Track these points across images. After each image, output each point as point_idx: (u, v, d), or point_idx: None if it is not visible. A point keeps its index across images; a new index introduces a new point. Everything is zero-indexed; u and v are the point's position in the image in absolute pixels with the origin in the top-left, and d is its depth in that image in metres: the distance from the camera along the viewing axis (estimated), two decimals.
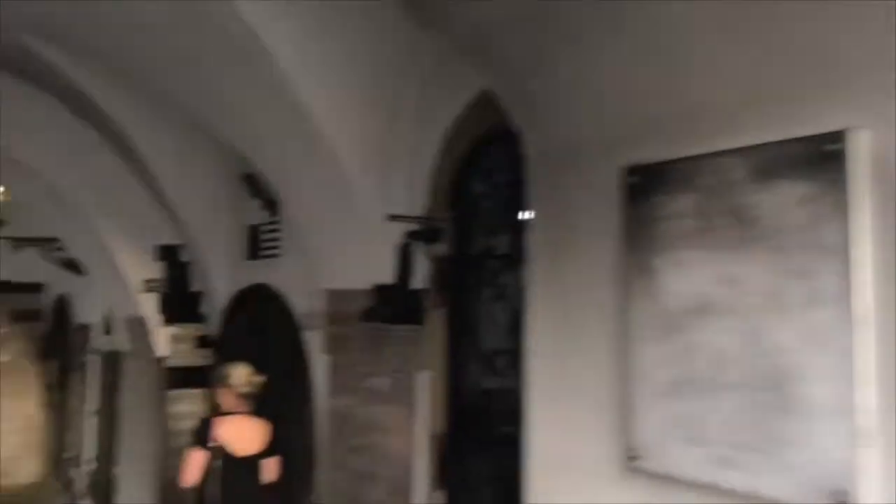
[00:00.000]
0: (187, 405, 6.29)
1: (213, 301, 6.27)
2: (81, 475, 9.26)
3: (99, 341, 8.77)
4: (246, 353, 5.47)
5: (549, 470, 2.75)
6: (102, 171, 5.96)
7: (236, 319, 6.12)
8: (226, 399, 4.68)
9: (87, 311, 9.34)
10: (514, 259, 3.63)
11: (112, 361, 8.29)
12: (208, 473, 4.54)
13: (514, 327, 3.63)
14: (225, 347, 6.26)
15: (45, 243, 9.15)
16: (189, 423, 6.25)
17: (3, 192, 8.71)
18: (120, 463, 7.04)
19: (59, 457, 10.32)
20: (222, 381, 4.68)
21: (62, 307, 10.44)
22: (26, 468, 11.17)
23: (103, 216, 6.07)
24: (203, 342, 6.37)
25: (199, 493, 4.58)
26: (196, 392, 6.32)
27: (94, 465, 8.94)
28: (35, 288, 11.30)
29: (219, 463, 4.54)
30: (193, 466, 4.53)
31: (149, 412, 6.48)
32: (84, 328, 9.43)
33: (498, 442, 3.73)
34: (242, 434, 4.64)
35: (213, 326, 6.38)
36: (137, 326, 6.60)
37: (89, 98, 5.19)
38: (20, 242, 9.13)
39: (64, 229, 7.42)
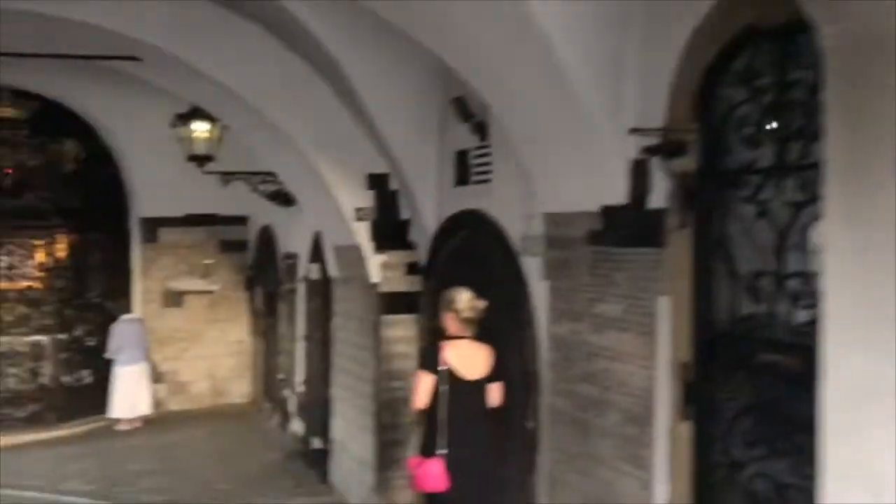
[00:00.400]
0: (400, 330, 6.41)
1: (421, 228, 6.29)
2: (292, 397, 9.82)
3: (308, 269, 9.14)
4: (457, 280, 5.45)
5: (852, 401, 2.45)
6: (313, 101, 6.03)
7: (445, 246, 6.11)
8: (451, 324, 4.67)
9: (294, 241, 9.76)
10: (780, 172, 3.27)
11: (322, 288, 8.63)
12: (436, 397, 4.57)
13: (779, 247, 3.29)
14: (435, 274, 6.29)
15: (253, 176, 9.59)
16: (402, 348, 6.39)
17: (210, 130, 9.18)
18: (334, 385, 7.33)
19: (269, 379, 11.00)
20: (447, 306, 4.66)
21: (268, 238, 10.98)
22: (239, 389, 12.06)
23: (315, 146, 6.18)
24: (412, 269, 6.43)
25: (428, 415, 4.63)
26: (407, 318, 6.42)
27: (304, 388, 9.44)
28: (241, 220, 11.98)
29: (446, 387, 4.56)
30: (423, 390, 4.57)
31: (362, 337, 6.66)
32: (291, 257, 9.87)
33: (755, 371, 3.44)
34: (469, 359, 4.63)
35: (421, 253, 6.41)
36: (349, 254, 6.75)
37: (299, 25, 5.21)
38: (228, 176, 9.62)
39: (275, 161, 7.66)
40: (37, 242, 11.21)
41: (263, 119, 6.35)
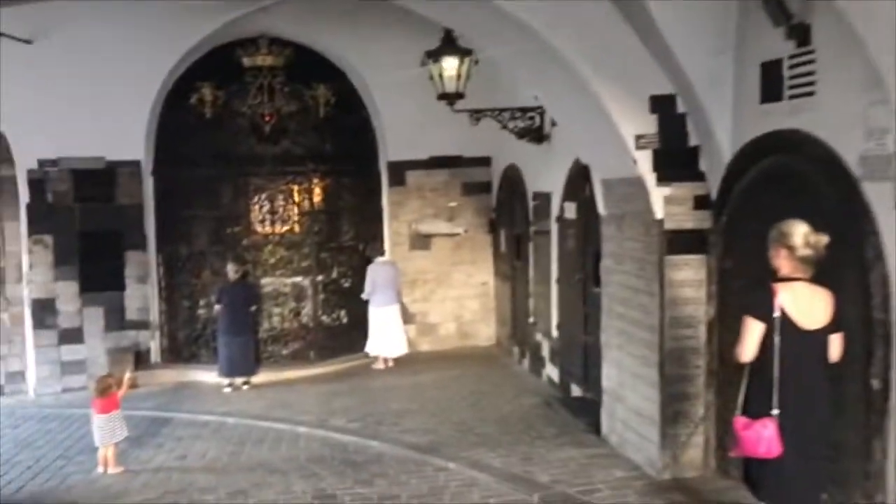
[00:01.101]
0: (687, 272, 5.72)
1: (714, 156, 5.51)
2: (545, 341, 9.46)
3: (562, 208, 8.64)
4: (760, 214, 4.67)
5: None
6: (590, 16, 5.40)
7: (744, 175, 5.30)
8: (783, 263, 3.93)
9: (545, 180, 9.28)
10: None
11: (578, 228, 8.11)
12: (767, 348, 3.88)
13: None
14: (729, 208, 5.51)
15: (503, 113, 9.18)
16: (690, 292, 5.70)
17: (459, 67, 8.84)
18: (606, 331, 6.80)
19: (517, 323, 10.73)
20: (779, 242, 3.92)
21: (514, 178, 10.60)
22: (484, 332, 11.94)
23: (592, 67, 5.56)
24: (701, 203, 5.69)
25: (757, 370, 3.95)
26: (695, 258, 5.71)
27: (558, 332, 9.02)
28: (484, 161, 11.71)
29: (780, 337, 3.85)
30: (752, 340, 3.89)
31: (640, 280, 6.05)
32: (541, 197, 9.41)
33: None
34: (807, 305, 3.88)
35: (712, 185, 5.65)
36: (623, 187, 6.12)
37: None
38: (478, 114, 9.28)
39: (539, 90, 7.13)
40: (295, 187, 11.64)
41: (531, 43, 5.81)
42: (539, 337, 9.73)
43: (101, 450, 7.15)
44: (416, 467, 6.77)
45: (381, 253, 11.04)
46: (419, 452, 7.09)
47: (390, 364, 10.91)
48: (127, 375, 7.59)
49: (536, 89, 7.23)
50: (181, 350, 11.31)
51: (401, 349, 10.90)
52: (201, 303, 11.33)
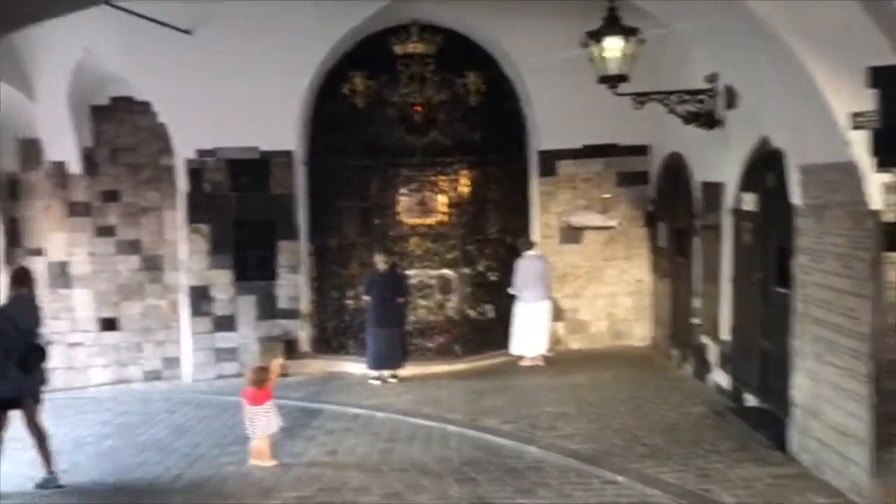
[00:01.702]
0: None
1: None
2: (713, 345, 8.70)
3: (738, 199, 7.88)
4: None
5: None
6: None
7: None
8: None
9: (717, 168, 8.51)
10: None
11: (759, 221, 7.34)
12: None
13: None
14: None
15: (670, 96, 8.50)
16: None
17: (623, 47, 8.22)
18: (800, 337, 6.04)
19: (678, 323, 9.99)
20: None
21: (677, 166, 9.85)
22: (639, 331, 11.25)
23: (799, 37, 4.86)
24: None
25: None
26: None
27: (730, 336, 8.26)
28: (641, 150, 11.01)
29: None
30: None
31: (847, 280, 5.28)
32: (712, 187, 8.65)
33: None
34: None
35: None
36: (828, 174, 5.37)
37: None
38: (642, 97, 8.62)
39: (726, 66, 6.45)
40: (442, 178, 11.37)
41: (727, 15, 5.17)
42: (704, 339, 8.98)
43: (255, 441, 7.09)
44: (579, 478, 6.28)
45: (531, 246, 10.57)
46: (582, 462, 6.59)
47: (539, 363, 10.44)
48: (277, 363, 7.50)
49: (722, 66, 6.53)
50: (329, 340, 11.28)
51: (544, 348, 10.40)
52: (349, 293, 11.26)
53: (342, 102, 10.70)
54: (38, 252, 11.06)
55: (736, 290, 8.12)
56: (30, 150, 10.92)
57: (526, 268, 10.27)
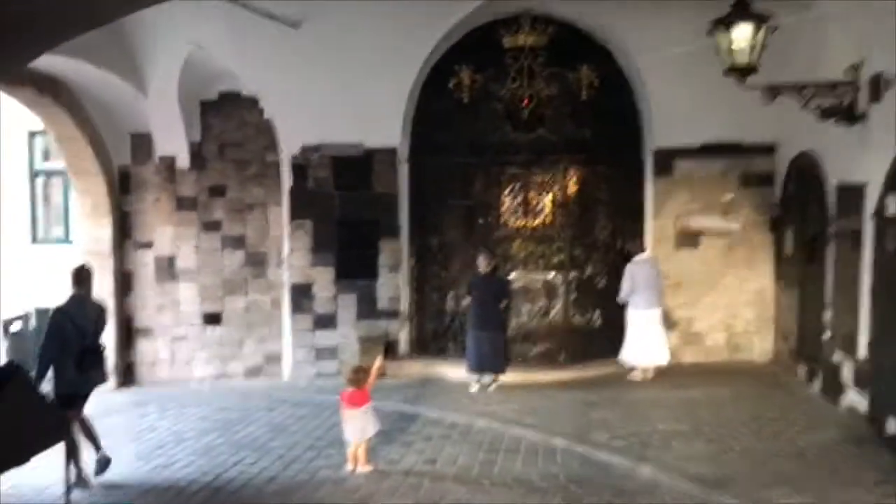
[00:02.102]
0: None
1: None
2: (849, 362, 7.88)
3: (884, 203, 7.08)
4: None
5: None
6: None
7: None
8: None
9: (858, 169, 7.71)
10: None
11: None
12: None
13: None
14: None
15: (807, 89, 7.75)
16: None
17: (753, 36, 7.57)
18: None
19: (805, 338, 9.17)
20: None
21: (808, 166, 9.03)
22: (760, 345, 10.43)
23: None
24: None
25: None
26: None
27: (869, 354, 7.45)
28: (767, 149, 10.21)
29: None
30: None
31: None
32: (851, 189, 7.84)
33: None
34: None
35: None
36: None
37: None
38: (774, 90, 7.90)
39: (873, 53, 5.74)
40: (549, 177, 10.89)
41: None
42: (837, 357, 8.16)
43: (352, 446, 6.82)
44: None
45: (642, 250, 9.95)
46: (704, 487, 6.00)
47: (649, 375, 9.81)
48: (376, 364, 7.22)
49: (868, 53, 5.81)
50: (429, 342, 10.99)
51: (661, 358, 9.76)
52: (450, 295, 10.94)
53: (447, 97, 10.37)
54: (148, 245, 11.23)
55: (877, 302, 7.30)
56: (141, 144, 11.10)
57: (636, 273, 9.67)
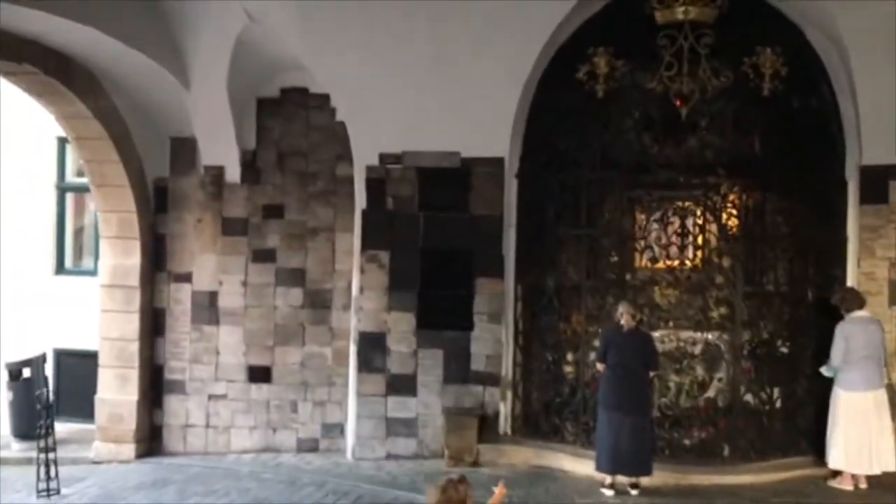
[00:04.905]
0: None
1: None
2: None
3: None
4: None
5: None
6: None
7: None
8: None
9: None
10: None
11: None
12: None
13: None
14: None
15: None
16: None
17: None
18: None
19: None
20: None
21: None
22: None
23: None
24: None
25: None
26: None
27: None
28: None
29: None
30: None
31: None
32: None
33: None
34: None
35: None
36: None
37: None
38: None
39: None
40: (707, 203, 8.07)
41: None
42: None
43: None
44: None
45: (861, 304, 6.98)
46: None
47: (862, 485, 6.82)
48: (500, 490, 4.53)
49: None
50: (539, 420, 8.20)
51: (886, 462, 6.75)
52: (570, 356, 8.17)
53: (574, 92, 7.61)
54: (185, 278, 8.94)
55: None
56: (182, 150, 8.90)
57: (852, 336, 6.74)
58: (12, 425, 9.29)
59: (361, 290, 8.27)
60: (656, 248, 8.16)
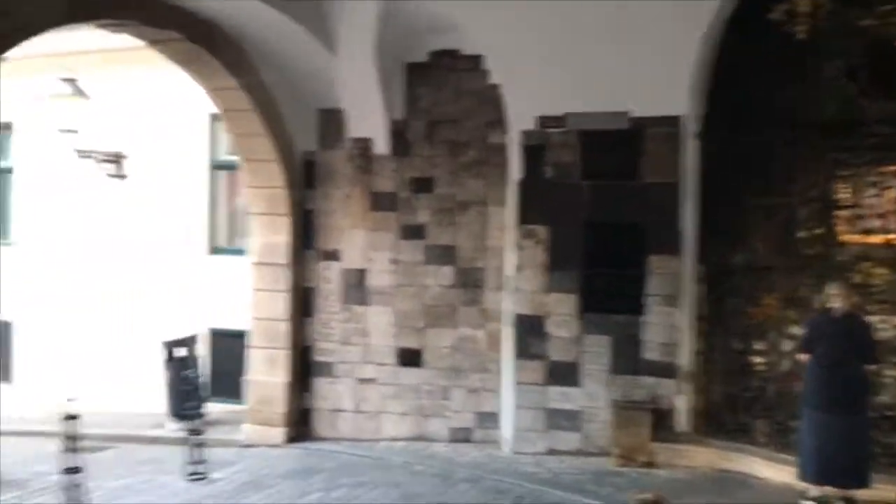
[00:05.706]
0: None
1: None
2: None
3: None
4: None
5: None
6: None
7: None
8: None
9: None
10: None
11: None
12: None
13: None
14: None
15: None
16: None
17: None
18: None
19: None
20: None
21: None
22: None
23: None
24: None
25: None
26: None
27: None
28: None
29: None
30: None
31: None
32: None
33: None
34: None
35: None
36: None
37: None
38: None
39: None
40: None
41: None
42: None
43: None
44: None
45: None
46: None
47: None
48: None
49: None
50: (724, 417, 7.15)
51: None
52: (761, 345, 7.06)
53: (768, 38, 6.53)
54: (333, 255, 8.54)
55: None
56: (330, 122, 8.47)
57: None
58: (168, 404, 9.28)
59: (518, 268, 7.54)
60: (867, 219, 6.90)
